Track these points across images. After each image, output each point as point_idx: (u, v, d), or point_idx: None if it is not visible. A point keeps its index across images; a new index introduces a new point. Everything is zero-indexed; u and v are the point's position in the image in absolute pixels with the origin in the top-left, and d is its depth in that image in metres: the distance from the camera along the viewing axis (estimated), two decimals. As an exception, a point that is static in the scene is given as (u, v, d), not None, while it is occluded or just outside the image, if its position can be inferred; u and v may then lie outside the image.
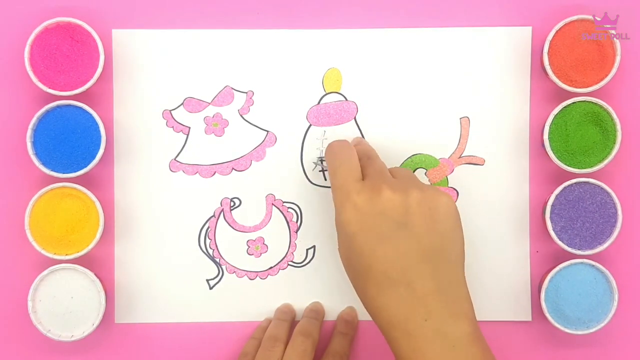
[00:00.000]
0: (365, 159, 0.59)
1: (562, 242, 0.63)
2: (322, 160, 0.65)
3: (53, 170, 0.62)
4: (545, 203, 0.63)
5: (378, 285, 0.54)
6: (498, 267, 0.65)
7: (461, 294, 0.55)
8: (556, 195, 0.63)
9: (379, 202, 0.54)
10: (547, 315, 0.63)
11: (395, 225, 0.54)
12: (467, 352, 0.52)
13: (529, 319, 0.65)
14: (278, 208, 0.65)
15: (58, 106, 0.63)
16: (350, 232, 0.54)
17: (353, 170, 0.57)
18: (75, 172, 0.62)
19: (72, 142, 0.63)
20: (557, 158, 0.62)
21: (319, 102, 0.65)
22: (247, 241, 0.65)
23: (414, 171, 0.65)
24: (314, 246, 0.65)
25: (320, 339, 0.63)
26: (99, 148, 0.62)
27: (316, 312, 0.64)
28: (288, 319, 0.64)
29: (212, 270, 0.65)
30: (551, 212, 0.63)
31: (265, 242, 0.65)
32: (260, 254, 0.65)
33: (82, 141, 0.63)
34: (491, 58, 0.65)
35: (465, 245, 0.58)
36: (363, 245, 0.54)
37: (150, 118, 0.65)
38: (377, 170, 0.57)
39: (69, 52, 0.63)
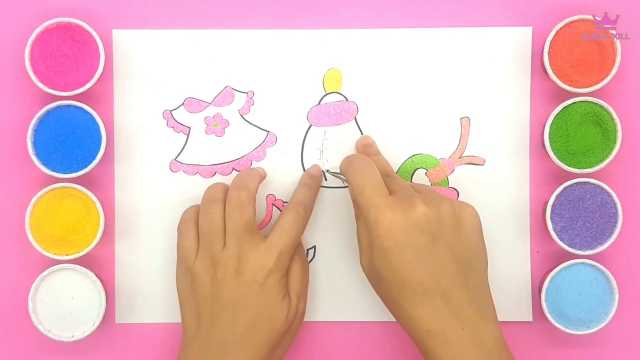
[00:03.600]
0: (385, 177, 0.60)
1: (563, 242, 0.63)
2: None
3: (53, 170, 0.62)
4: (546, 203, 0.63)
5: (414, 297, 0.55)
6: (499, 267, 0.65)
7: (488, 301, 0.57)
8: (556, 195, 0.63)
9: (414, 215, 0.55)
10: (548, 315, 0.63)
11: (431, 237, 0.55)
12: (501, 356, 0.55)
13: (530, 319, 0.65)
14: (278, 208, 0.65)
15: (58, 106, 0.63)
16: (386, 246, 0.55)
17: (380, 187, 0.57)
18: (75, 172, 0.62)
19: (73, 142, 0.63)
20: (558, 158, 0.62)
21: (319, 102, 0.65)
22: (248, 241, 0.65)
23: (414, 171, 0.65)
24: (314, 246, 0.65)
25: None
26: (99, 148, 0.62)
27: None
28: (223, 184, 0.63)
29: (213, 270, 0.65)
30: (551, 212, 0.63)
31: (265, 242, 0.65)
32: (261, 254, 0.65)
33: (83, 141, 0.63)
34: (491, 58, 0.65)
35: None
36: (400, 258, 0.55)
37: (151, 118, 0.65)
38: (403, 185, 0.59)
39: (69, 53, 0.63)
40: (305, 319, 0.64)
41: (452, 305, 0.55)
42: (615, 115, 0.62)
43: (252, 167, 0.65)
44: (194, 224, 0.61)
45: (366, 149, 0.64)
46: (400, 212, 0.55)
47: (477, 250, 0.57)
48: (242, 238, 0.59)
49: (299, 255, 0.62)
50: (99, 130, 0.63)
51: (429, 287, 0.55)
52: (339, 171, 0.63)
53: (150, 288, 0.65)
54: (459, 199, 0.65)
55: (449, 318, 0.55)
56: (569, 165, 0.62)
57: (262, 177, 0.64)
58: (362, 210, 0.57)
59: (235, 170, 0.65)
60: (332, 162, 0.65)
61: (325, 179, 0.65)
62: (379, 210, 0.56)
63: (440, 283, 0.55)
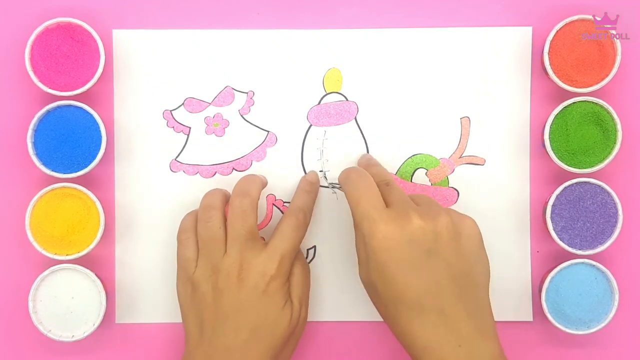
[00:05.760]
0: (384, 186, 0.59)
1: (563, 242, 0.63)
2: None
3: (54, 170, 0.62)
4: (546, 203, 0.63)
5: (410, 313, 0.54)
6: (499, 267, 0.65)
7: (488, 316, 0.56)
8: (557, 195, 0.63)
9: (409, 230, 0.55)
10: (548, 315, 0.63)
11: (426, 252, 0.55)
12: None
13: (530, 319, 0.65)
14: (278, 208, 0.65)
15: (59, 106, 0.63)
16: (381, 261, 0.55)
17: (376, 199, 0.57)
18: (75, 172, 0.62)
19: (73, 142, 0.63)
20: (558, 158, 0.62)
21: (319, 102, 0.65)
22: (248, 241, 0.65)
23: (414, 171, 0.65)
24: (314, 246, 0.65)
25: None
26: (99, 148, 0.62)
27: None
28: (221, 190, 0.63)
29: (213, 270, 0.65)
30: (552, 212, 0.63)
31: (265, 242, 0.65)
32: (261, 254, 0.65)
33: (83, 141, 0.63)
34: (491, 58, 0.65)
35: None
36: (395, 273, 0.54)
37: (151, 118, 0.65)
38: (400, 197, 0.58)
39: (70, 53, 0.63)
40: (305, 319, 0.64)
41: (448, 321, 0.54)
42: (615, 115, 0.62)
43: (252, 167, 0.65)
44: (193, 232, 0.61)
45: (368, 162, 0.63)
46: (395, 225, 0.55)
47: (477, 264, 0.56)
48: (244, 245, 0.59)
49: (299, 260, 0.62)
50: (99, 130, 0.63)
51: (425, 303, 0.54)
52: (338, 183, 0.63)
53: (150, 288, 0.65)
54: (459, 200, 0.65)
55: (446, 335, 0.54)
56: (569, 165, 0.62)
57: (264, 184, 0.64)
58: (358, 223, 0.57)
59: (236, 170, 0.65)
60: (332, 162, 0.65)
61: (326, 179, 0.65)
62: (374, 224, 0.55)
63: (437, 299, 0.54)
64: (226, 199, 0.62)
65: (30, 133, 0.62)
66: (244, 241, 0.59)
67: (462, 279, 0.55)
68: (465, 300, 0.55)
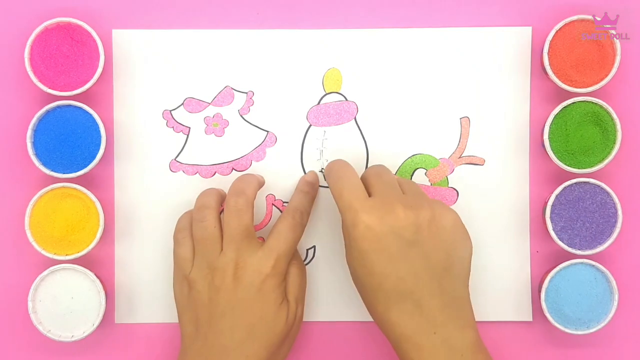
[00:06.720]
0: (374, 176, 0.59)
1: (562, 242, 0.63)
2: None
3: (53, 170, 0.62)
4: (545, 203, 0.63)
5: (387, 301, 0.56)
6: (498, 267, 0.65)
7: (465, 306, 0.57)
8: (556, 195, 0.63)
9: (390, 221, 0.55)
10: (548, 315, 0.63)
11: (406, 243, 0.55)
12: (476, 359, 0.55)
13: (530, 319, 0.65)
14: (278, 208, 0.65)
15: (58, 106, 0.63)
16: (362, 249, 0.55)
17: (358, 189, 0.57)
18: (75, 172, 0.62)
19: (72, 142, 0.63)
20: (557, 158, 0.62)
21: (319, 102, 0.65)
22: (247, 241, 0.65)
23: (414, 171, 0.65)
24: (314, 246, 0.65)
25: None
26: (99, 148, 0.62)
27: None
28: (216, 189, 0.63)
29: (213, 270, 0.65)
30: (551, 212, 0.63)
31: (265, 242, 0.65)
32: (261, 254, 0.65)
33: (82, 141, 0.63)
34: (491, 58, 0.65)
35: (465, 245, 0.58)
36: (374, 262, 0.55)
37: (150, 118, 0.65)
38: (386, 186, 0.58)
39: (69, 53, 0.63)
40: (304, 319, 0.64)
41: (423, 311, 0.55)
42: (615, 115, 0.62)
43: (251, 167, 0.65)
44: (189, 232, 0.61)
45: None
46: (377, 216, 0.55)
47: (456, 258, 0.57)
48: (240, 244, 0.59)
49: (296, 260, 0.62)
50: (99, 130, 0.63)
51: (401, 292, 0.55)
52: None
53: (150, 288, 0.65)
54: (458, 200, 0.65)
55: (420, 323, 0.55)
56: (568, 165, 0.62)
57: (261, 183, 0.64)
58: (341, 213, 0.57)
59: (235, 170, 0.65)
60: (331, 162, 0.65)
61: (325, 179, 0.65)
62: (356, 214, 0.55)
63: (414, 289, 0.55)
64: (221, 198, 0.62)
65: (29, 133, 0.62)
66: (239, 240, 0.59)
67: (440, 271, 0.56)
68: (441, 292, 0.55)
